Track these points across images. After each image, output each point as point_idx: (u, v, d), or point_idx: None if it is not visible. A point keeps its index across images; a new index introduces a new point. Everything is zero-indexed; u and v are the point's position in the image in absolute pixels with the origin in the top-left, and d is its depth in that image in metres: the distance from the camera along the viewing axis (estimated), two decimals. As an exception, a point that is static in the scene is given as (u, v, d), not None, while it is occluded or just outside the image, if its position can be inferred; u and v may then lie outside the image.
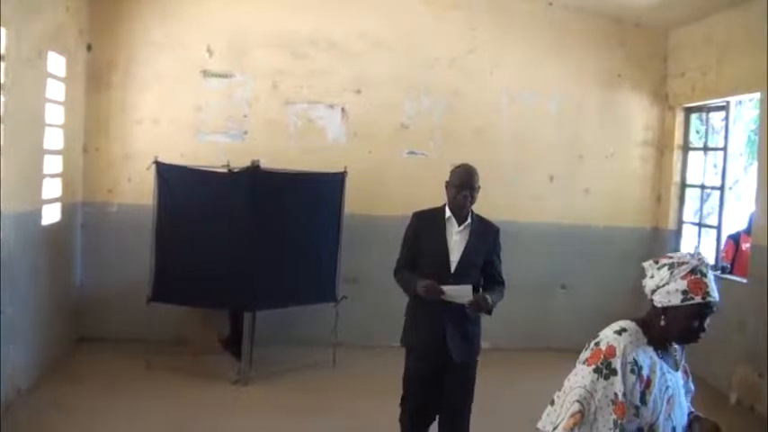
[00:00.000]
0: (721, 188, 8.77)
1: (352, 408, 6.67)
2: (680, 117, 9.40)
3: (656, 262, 3.02)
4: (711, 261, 8.24)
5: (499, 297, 4.76)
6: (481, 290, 4.77)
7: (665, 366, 3.00)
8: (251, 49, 8.50)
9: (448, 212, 4.77)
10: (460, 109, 8.99)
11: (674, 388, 3.03)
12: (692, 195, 9.56)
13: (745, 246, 8.24)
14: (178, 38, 8.33)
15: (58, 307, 7.35)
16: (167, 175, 7.36)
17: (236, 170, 7.55)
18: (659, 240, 9.51)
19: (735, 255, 8.49)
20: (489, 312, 4.66)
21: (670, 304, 2.89)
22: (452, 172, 4.79)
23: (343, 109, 8.74)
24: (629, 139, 9.56)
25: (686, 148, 9.47)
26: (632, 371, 2.83)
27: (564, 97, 9.31)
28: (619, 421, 2.80)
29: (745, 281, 7.84)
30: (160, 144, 7.94)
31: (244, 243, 7.12)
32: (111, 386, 6.75)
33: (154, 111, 8.32)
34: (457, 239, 4.75)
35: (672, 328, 2.94)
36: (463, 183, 4.67)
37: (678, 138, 9.42)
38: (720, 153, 8.82)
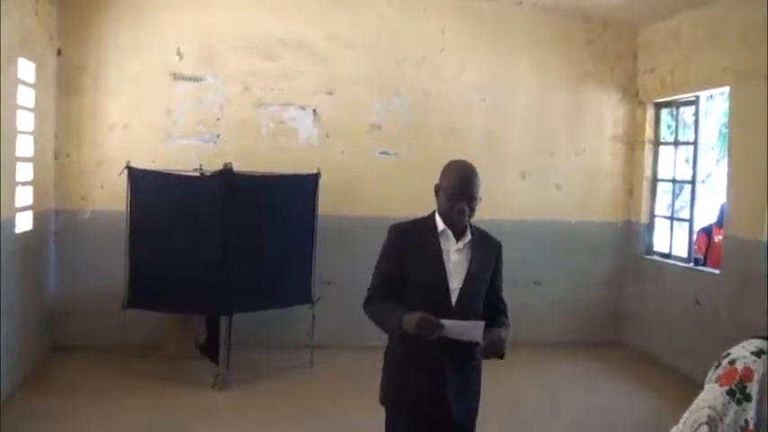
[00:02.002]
0: (692, 182, 8.90)
1: (331, 409, 6.69)
2: (650, 112, 9.53)
3: None
4: (684, 254, 8.41)
5: (508, 334, 3.60)
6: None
7: None
8: (221, 52, 8.48)
9: (441, 224, 3.57)
10: (431, 108, 9.02)
11: None
12: (664, 189, 9.68)
13: (718, 238, 8.41)
14: (148, 41, 8.29)
15: (32, 316, 7.30)
16: (140, 180, 7.35)
17: (208, 173, 7.54)
18: (631, 234, 9.67)
19: (708, 247, 8.66)
20: (502, 356, 3.49)
21: None
22: (445, 173, 3.58)
23: (314, 110, 8.75)
24: (600, 135, 9.66)
25: (657, 142, 9.59)
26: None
27: (534, 95, 9.39)
28: None
29: (717, 271, 8.00)
30: (132, 149, 7.93)
31: (218, 247, 7.10)
32: (89, 394, 6.71)
33: (125, 115, 8.27)
34: (456, 261, 3.57)
35: None
36: (460, 191, 3.48)
37: (649, 132, 9.55)
38: (692, 147, 8.94)
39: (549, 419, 6.64)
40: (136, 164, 7.41)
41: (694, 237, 8.80)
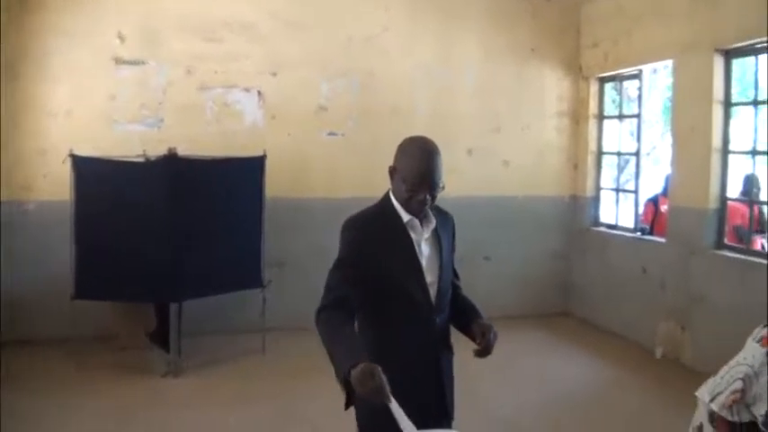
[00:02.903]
0: (637, 154, 9.04)
1: (284, 392, 6.70)
2: (594, 87, 9.64)
3: None
4: (630, 224, 8.57)
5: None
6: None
7: None
8: (163, 35, 8.36)
9: (403, 213, 3.06)
10: (377, 88, 9.01)
11: None
12: (610, 162, 9.81)
13: (664, 207, 8.60)
14: (89, 26, 8.13)
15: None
16: (84, 168, 7.22)
17: (153, 159, 7.44)
18: (578, 207, 9.82)
19: (654, 217, 8.85)
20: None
21: None
22: (403, 154, 3.05)
23: (259, 92, 8.69)
24: (545, 111, 9.76)
25: (601, 116, 9.71)
26: None
27: (479, 72, 9.42)
28: None
29: (663, 240, 8.18)
30: (75, 136, 7.79)
31: (165, 233, 7.04)
32: (41, 388, 6.62)
33: (67, 102, 8.12)
34: (428, 253, 3.12)
35: None
36: (420, 180, 2.96)
37: (593, 107, 9.66)
38: (636, 121, 9.10)
39: (503, 389, 6.73)
40: (79, 151, 7.28)
41: (641, 207, 8.95)
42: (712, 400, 2.88)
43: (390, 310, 3.05)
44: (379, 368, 2.59)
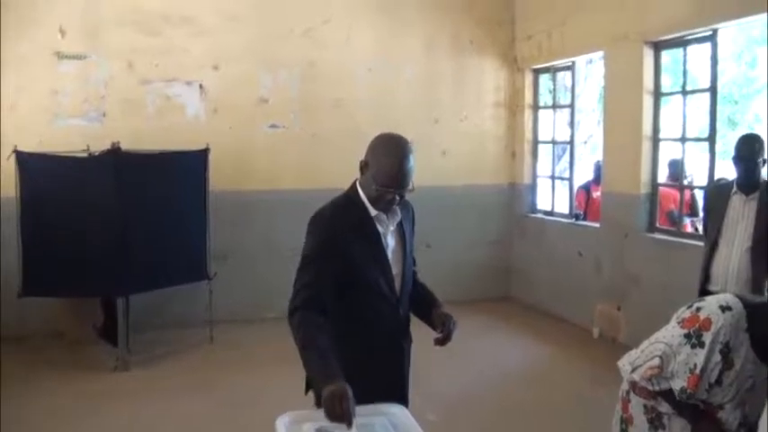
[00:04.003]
0: (571, 143, 9.32)
1: (233, 381, 6.77)
2: (529, 78, 9.90)
3: None
4: (566, 210, 8.82)
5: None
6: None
7: (754, 357, 2.97)
8: (104, 28, 8.33)
9: (371, 208, 3.09)
10: (318, 80, 9.10)
11: (759, 381, 3.00)
12: (546, 151, 10.07)
13: (596, 194, 8.90)
14: (30, 19, 8.05)
15: None
16: (28, 164, 7.20)
17: (96, 154, 7.41)
18: (516, 195, 10.09)
19: (587, 203, 9.14)
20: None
21: None
22: (377, 154, 3.03)
23: (201, 85, 8.72)
24: (482, 101, 9.97)
25: (536, 107, 9.98)
26: (720, 351, 2.89)
27: (418, 65, 9.59)
28: (688, 390, 2.91)
29: (597, 225, 8.49)
30: (18, 132, 7.74)
31: (110, 228, 7.03)
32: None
33: (10, 97, 8.02)
34: (393, 246, 3.20)
35: None
36: (393, 183, 2.98)
37: (528, 97, 9.92)
38: (570, 110, 9.36)
39: (448, 370, 6.87)
40: (24, 147, 7.26)
41: (574, 194, 9.23)
42: (633, 371, 3.13)
43: (359, 303, 3.09)
44: (350, 392, 2.62)
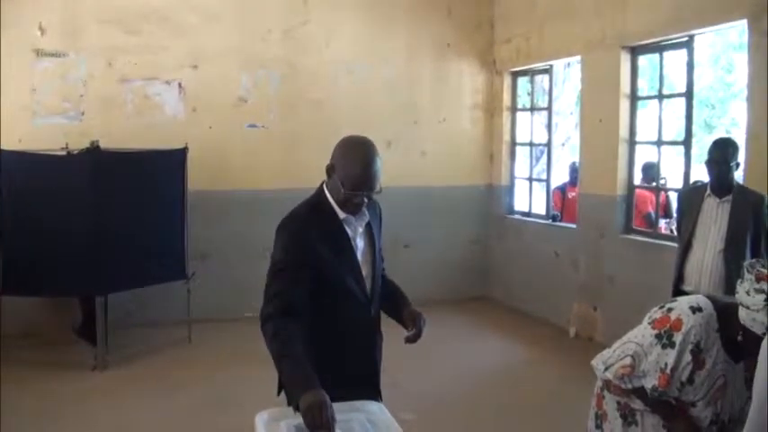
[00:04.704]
0: (548, 145, 9.40)
1: (211, 380, 6.80)
2: (507, 81, 9.98)
3: (759, 279, 2.77)
4: (543, 211, 8.90)
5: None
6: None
7: (725, 356, 2.99)
8: (84, 27, 8.31)
9: (339, 211, 3.09)
10: (297, 81, 9.13)
11: (731, 380, 3.03)
12: (524, 153, 10.14)
13: (571, 195, 9.00)
14: (9, 16, 7.97)
15: None
16: (6, 162, 7.16)
17: (75, 152, 7.40)
18: (493, 196, 10.18)
19: (562, 204, 9.21)
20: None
21: (752, 330, 2.81)
22: (343, 157, 3.03)
23: (180, 84, 8.71)
24: (461, 104, 10.05)
25: (514, 109, 10.05)
26: (691, 351, 2.92)
27: (398, 67, 9.65)
28: (660, 389, 2.95)
29: (574, 226, 8.57)
30: (-4, 129, 7.70)
31: (88, 227, 7.01)
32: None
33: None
34: (362, 247, 3.21)
35: (747, 346, 2.86)
36: (360, 185, 2.98)
37: (506, 100, 10.00)
38: (548, 113, 9.46)
39: (424, 369, 6.97)
40: (2, 145, 7.23)
41: (551, 196, 9.31)
42: (606, 369, 3.17)
43: (331, 306, 3.08)
44: (328, 400, 2.59)
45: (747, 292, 2.79)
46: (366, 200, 3.05)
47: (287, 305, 2.91)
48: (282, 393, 3.11)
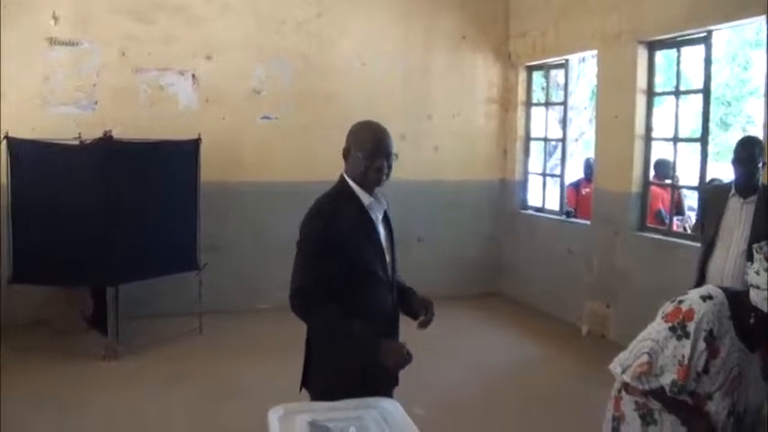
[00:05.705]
0: (563, 140, 9.34)
1: (221, 371, 6.78)
2: (522, 75, 9.90)
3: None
4: (557, 207, 8.84)
5: None
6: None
7: (741, 345, 3.00)
8: (97, 16, 8.28)
9: (363, 196, 3.19)
10: (311, 73, 9.09)
11: (746, 370, 3.03)
12: (538, 148, 10.09)
13: (585, 191, 8.94)
14: (23, 5, 7.99)
15: None
16: (19, 150, 7.17)
17: (88, 142, 7.37)
18: (507, 191, 10.10)
19: (576, 200, 9.15)
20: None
21: (763, 310, 2.83)
22: (356, 133, 3.21)
23: (193, 75, 8.69)
24: (475, 98, 9.98)
25: (529, 103, 9.98)
26: (705, 339, 2.92)
27: (412, 60, 9.60)
28: (679, 382, 2.95)
29: (588, 222, 8.50)
30: (9, 118, 7.62)
31: (101, 216, 6.99)
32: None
33: (1, 83, 7.92)
34: (383, 233, 3.31)
35: (759, 328, 2.89)
36: (377, 148, 3.14)
37: (521, 94, 9.92)
38: (563, 108, 9.41)
39: (437, 364, 6.87)
40: (15, 134, 7.21)
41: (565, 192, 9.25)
42: (623, 372, 3.15)
43: (361, 289, 3.18)
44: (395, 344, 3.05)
45: (757, 272, 2.84)
46: (387, 167, 3.17)
47: (325, 293, 3.08)
48: (304, 390, 3.25)
